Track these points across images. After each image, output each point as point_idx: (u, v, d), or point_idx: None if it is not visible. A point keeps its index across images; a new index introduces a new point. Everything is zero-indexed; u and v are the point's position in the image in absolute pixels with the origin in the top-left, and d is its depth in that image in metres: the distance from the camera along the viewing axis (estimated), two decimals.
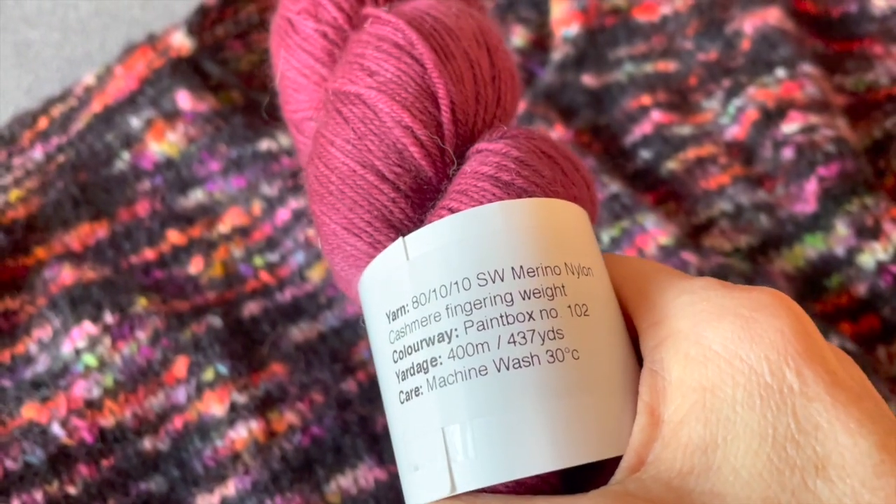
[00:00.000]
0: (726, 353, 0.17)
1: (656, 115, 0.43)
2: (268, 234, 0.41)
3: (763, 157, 0.41)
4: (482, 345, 0.18)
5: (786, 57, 0.43)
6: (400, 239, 0.20)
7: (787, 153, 0.40)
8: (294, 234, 0.40)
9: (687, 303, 0.19)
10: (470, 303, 0.18)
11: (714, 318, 0.18)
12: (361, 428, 0.34)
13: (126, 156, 0.42)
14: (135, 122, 0.43)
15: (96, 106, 0.43)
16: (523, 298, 0.18)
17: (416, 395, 0.18)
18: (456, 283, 0.18)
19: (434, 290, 0.19)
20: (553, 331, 0.18)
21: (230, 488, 0.33)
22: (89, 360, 0.35)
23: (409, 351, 0.19)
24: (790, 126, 0.41)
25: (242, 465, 0.33)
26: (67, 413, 0.34)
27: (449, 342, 0.18)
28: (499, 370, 0.18)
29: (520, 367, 0.18)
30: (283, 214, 0.41)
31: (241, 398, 0.34)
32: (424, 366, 0.18)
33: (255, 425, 0.34)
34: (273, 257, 0.40)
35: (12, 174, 0.42)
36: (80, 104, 0.44)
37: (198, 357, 0.35)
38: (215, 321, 0.36)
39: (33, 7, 0.52)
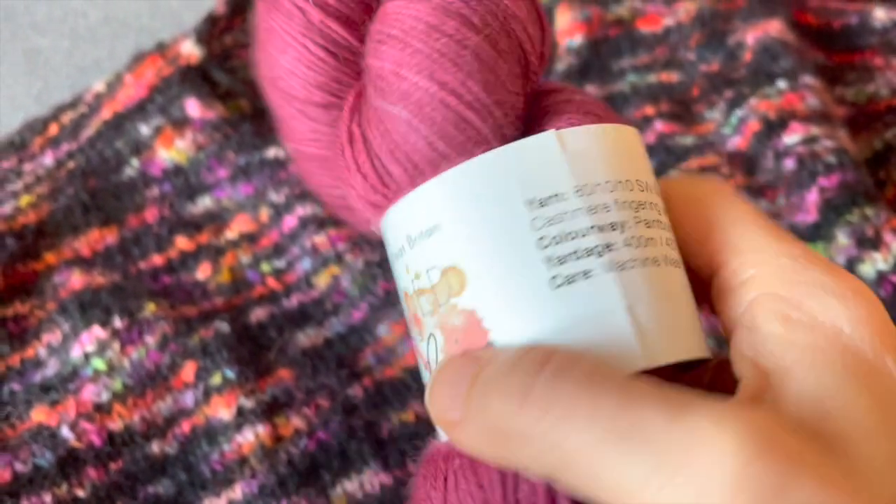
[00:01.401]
0: (831, 326, 0.18)
1: (659, 126, 0.44)
2: (275, 240, 0.41)
3: (764, 168, 0.42)
4: (651, 239, 0.20)
5: (787, 68, 0.44)
6: (552, 131, 0.20)
7: (789, 164, 0.41)
8: (301, 241, 0.41)
9: (788, 268, 0.19)
10: (636, 202, 0.20)
11: (819, 291, 0.18)
12: (367, 433, 0.35)
13: (135, 162, 0.43)
14: (144, 129, 0.43)
15: (106, 113, 0.44)
16: (659, 212, 0.21)
17: (586, 278, 0.19)
18: (620, 181, 0.20)
19: (599, 184, 0.20)
20: (672, 240, 0.21)
21: (237, 492, 0.33)
22: (98, 364, 0.36)
23: (573, 236, 0.19)
24: (791, 137, 0.41)
25: (249, 469, 0.33)
26: (76, 416, 0.34)
27: (622, 232, 0.19)
28: (661, 265, 0.20)
29: (677, 266, 0.20)
30: (289, 221, 0.41)
31: (248, 403, 0.35)
32: (599, 250, 0.19)
33: (262, 430, 0.34)
34: (280, 263, 0.41)
35: (23, 180, 0.42)
36: (90, 111, 0.44)
37: (205, 362, 0.36)
38: (223, 326, 0.37)
39: (43, 15, 0.52)
